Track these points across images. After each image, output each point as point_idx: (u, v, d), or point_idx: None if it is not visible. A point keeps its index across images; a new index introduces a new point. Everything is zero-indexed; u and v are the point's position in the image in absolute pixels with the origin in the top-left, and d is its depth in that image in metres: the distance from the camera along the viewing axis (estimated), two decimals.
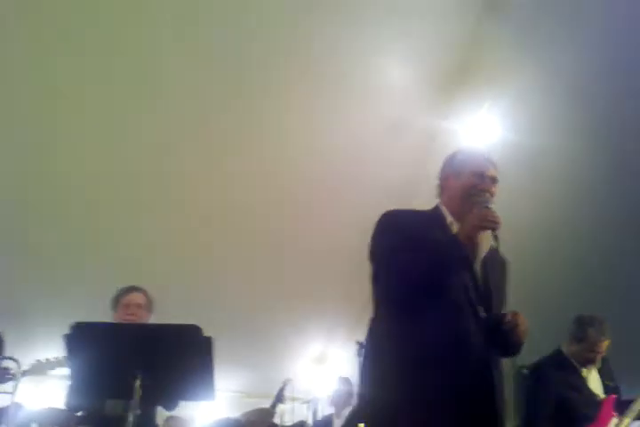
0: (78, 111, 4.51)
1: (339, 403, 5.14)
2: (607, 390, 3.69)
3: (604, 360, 3.80)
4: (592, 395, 3.62)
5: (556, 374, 3.64)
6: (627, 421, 3.50)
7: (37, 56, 4.18)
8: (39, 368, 3.77)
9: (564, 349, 3.76)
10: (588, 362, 3.70)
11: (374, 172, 4.65)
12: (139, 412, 2.44)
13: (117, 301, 3.64)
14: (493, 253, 2.26)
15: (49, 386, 5.61)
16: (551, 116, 4.42)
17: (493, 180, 2.32)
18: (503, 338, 2.10)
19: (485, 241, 2.21)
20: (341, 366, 5.79)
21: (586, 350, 3.66)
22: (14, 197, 4.85)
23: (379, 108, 4.44)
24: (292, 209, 5.13)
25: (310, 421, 4.95)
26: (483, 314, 2.13)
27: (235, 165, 4.90)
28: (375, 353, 2.14)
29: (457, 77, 4.37)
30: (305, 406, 5.08)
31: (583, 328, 3.66)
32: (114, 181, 4.87)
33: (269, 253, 5.35)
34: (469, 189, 2.26)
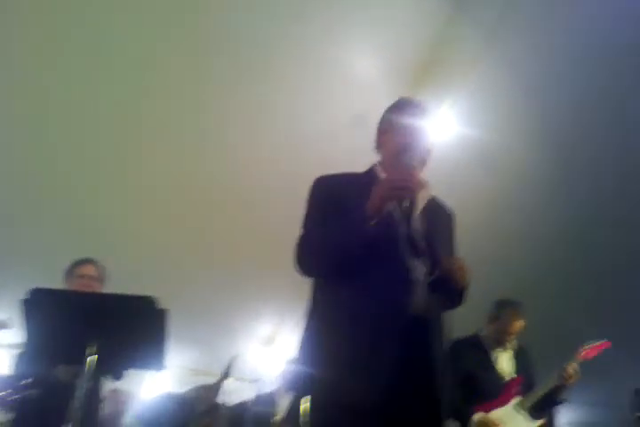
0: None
1: (287, 383, 5.25)
2: (515, 372, 3.85)
3: (523, 350, 3.99)
4: (498, 375, 3.80)
5: (467, 352, 3.81)
6: (529, 400, 3.69)
7: None
8: None
9: (482, 332, 3.96)
10: (499, 343, 3.89)
11: (341, 163, 4.73)
12: (90, 379, 2.51)
13: (71, 272, 3.68)
14: (435, 204, 2.25)
15: None
16: (508, 115, 4.56)
17: (426, 150, 2.23)
18: (444, 286, 2.04)
19: (425, 192, 2.15)
20: (289, 349, 5.91)
21: (498, 331, 3.87)
22: None
23: (346, 99, 4.51)
24: (253, 194, 5.19)
25: (252, 401, 5.04)
26: (419, 266, 2.04)
27: (204, 148, 4.93)
28: (304, 320, 2.13)
29: (422, 74, 4.47)
30: (250, 385, 5.18)
31: (498, 309, 3.90)
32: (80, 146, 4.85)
33: (227, 234, 5.40)
34: (399, 146, 2.17)
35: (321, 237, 2.06)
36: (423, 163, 2.20)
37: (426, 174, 2.21)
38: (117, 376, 3.54)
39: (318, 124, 4.72)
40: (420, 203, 2.13)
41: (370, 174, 2.25)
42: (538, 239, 5.59)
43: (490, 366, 3.84)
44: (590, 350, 3.81)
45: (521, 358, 3.97)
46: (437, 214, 2.26)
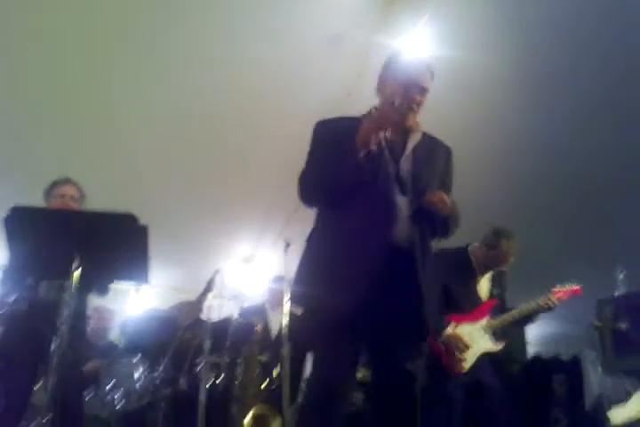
0: None
1: (273, 299, 5.43)
2: (491, 295, 4.05)
3: (501, 271, 4.15)
4: (475, 294, 3.98)
5: (452, 264, 3.96)
6: (496, 323, 3.88)
7: None
8: None
9: (471, 249, 4.07)
10: (486, 268, 4.03)
11: (318, 84, 4.69)
12: (74, 293, 2.59)
13: (50, 191, 3.70)
14: (430, 143, 2.46)
15: None
16: (485, 32, 4.49)
17: (422, 90, 2.38)
18: (426, 218, 2.30)
19: (417, 133, 2.39)
20: (269, 266, 6.04)
21: (491, 258, 3.98)
22: None
23: (320, 18, 4.41)
24: (231, 115, 5.15)
25: (237, 313, 5.20)
26: (403, 202, 2.29)
27: (180, 71, 4.84)
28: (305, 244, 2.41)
29: None
30: (231, 302, 5.33)
31: (498, 239, 3.95)
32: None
33: (210, 155, 5.40)
34: (393, 99, 2.32)
35: (316, 172, 2.31)
36: (416, 108, 2.37)
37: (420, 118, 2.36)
38: (102, 291, 3.64)
39: (293, 44, 4.64)
40: (411, 143, 2.37)
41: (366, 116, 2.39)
42: (513, 158, 5.63)
43: (470, 284, 3.99)
44: (563, 292, 3.94)
45: (497, 280, 4.12)
46: (432, 153, 2.46)
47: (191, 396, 4.95)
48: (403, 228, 2.26)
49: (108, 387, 4.66)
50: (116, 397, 4.66)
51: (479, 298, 3.99)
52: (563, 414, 7.54)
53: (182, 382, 5.15)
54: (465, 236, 4.13)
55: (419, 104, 2.38)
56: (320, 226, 2.39)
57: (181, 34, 4.58)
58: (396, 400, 2.22)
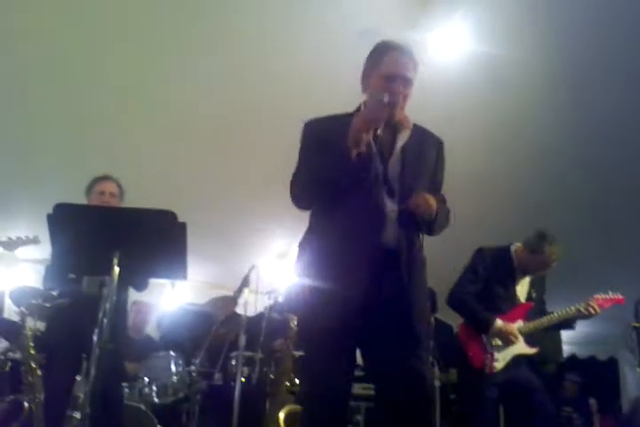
0: None
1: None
2: (529, 298, 3.99)
3: (541, 278, 4.09)
4: (514, 296, 3.93)
5: (494, 264, 3.94)
6: (530, 326, 3.85)
7: None
8: (10, 245, 3.93)
9: (513, 249, 4.02)
10: (527, 271, 3.97)
11: (345, 76, 4.69)
12: (115, 287, 2.65)
13: (92, 188, 3.81)
14: (421, 136, 2.43)
15: (21, 270, 5.78)
16: (521, 29, 4.45)
17: (405, 81, 2.32)
18: (412, 220, 2.29)
19: (405, 132, 2.36)
20: None
21: (533, 263, 3.90)
22: None
23: (351, 13, 4.41)
24: (263, 110, 5.18)
25: (269, 309, 5.25)
26: (390, 204, 2.28)
27: (206, 62, 4.88)
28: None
29: None
30: (266, 297, 5.37)
31: (542, 243, 3.84)
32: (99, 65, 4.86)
33: (244, 153, 5.45)
34: (380, 95, 2.27)
35: (307, 173, 2.30)
36: (402, 101, 2.33)
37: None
38: (141, 286, 3.72)
39: (323, 38, 4.64)
40: (400, 141, 2.34)
41: (356, 113, 2.35)
42: (550, 157, 5.57)
43: (510, 286, 3.94)
44: (605, 300, 3.90)
45: (537, 283, 4.06)
46: (422, 147, 2.42)
47: (226, 390, 5.05)
48: (390, 230, 2.26)
49: (145, 380, 4.75)
50: (153, 389, 4.75)
51: (517, 300, 3.95)
52: (577, 414, 7.43)
53: (217, 377, 5.24)
54: (509, 236, 4.17)
55: (404, 97, 2.33)
56: (311, 231, 2.40)
57: (209, 25, 4.62)
58: (405, 405, 2.17)
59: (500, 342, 3.77)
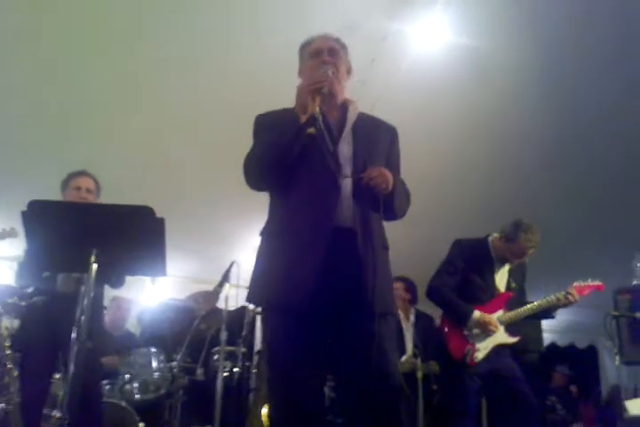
0: None
1: None
2: (508, 288, 4.03)
3: (521, 266, 4.13)
4: (493, 286, 3.96)
5: (472, 255, 3.97)
6: (511, 316, 3.88)
7: None
8: None
9: (490, 240, 4.05)
10: (505, 260, 4.01)
11: None
12: (92, 286, 2.61)
13: (67, 183, 3.75)
14: (371, 122, 2.45)
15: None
16: (501, 20, 4.44)
17: (330, 51, 2.42)
18: (366, 195, 2.25)
19: (353, 110, 2.38)
20: None
21: (509, 251, 3.94)
22: None
23: (333, 8, 4.38)
24: (242, 104, 5.13)
25: (251, 306, 5.23)
26: (344, 181, 2.25)
27: (202, 50, 4.83)
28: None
29: None
30: (246, 291, 5.34)
31: (517, 232, 3.88)
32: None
33: (223, 145, 5.38)
34: (306, 74, 2.38)
35: (260, 153, 2.32)
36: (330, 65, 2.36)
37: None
38: (117, 284, 3.68)
39: (306, 31, 4.60)
40: (349, 121, 2.35)
41: None
42: (531, 147, 5.58)
43: (488, 276, 3.97)
44: (584, 287, 3.94)
45: (517, 272, 4.10)
46: (374, 132, 2.43)
47: (208, 385, 5.02)
48: (345, 207, 2.22)
49: (126, 377, 4.70)
50: (135, 386, 4.70)
51: (496, 290, 3.97)
52: (560, 405, 7.53)
53: (199, 372, 5.20)
54: (487, 226, 4.17)
55: (335, 65, 2.37)
56: (270, 211, 2.41)
57: (184, 20, 4.57)
58: (369, 409, 2.11)
59: (479, 332, 3.78)
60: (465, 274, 3.93)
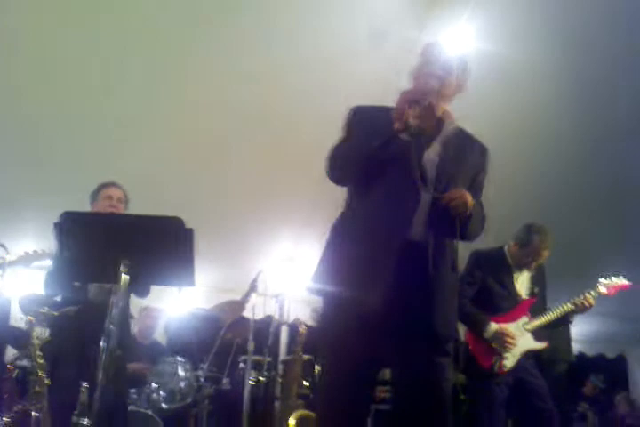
0: None
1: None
2: (531, 294, 4.00)
3: (540, 268, 4.10)
4: (514, 293, 3.95)
5: (489, 264, 3.97)
6: (536, 323, 3.86)
7: None
8: (26, 260, 3.87)
9: (506, 248, 4.04)
10: (523, 265, 3.99)
11: (357, 82, 4.66)
12: (122, 296, 2.63)
13: (98, 194, 3.78)
14: (464, 138, 2.40)
15: (28, 277, 5.72)
16: (528, 29, 4.43)
17: (436, 63, 2.34)
18: (443, 214, 2.20)
19: (449, 124, 2.34)
20: (310, 265, 6.03)
21: (525, 255, 3.94)
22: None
23: (360, 18, 4.40)
24: (274, 115, 5.17)
25: (277, 315, 5.24)
26: (424, 194, 2.21)
27: (218, 74, 4.88)
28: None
29: None
30: (273, 300, 5.35)
31: (530, 235, 3.90)
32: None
33: (249, 156, 5.43)
34: (417, 79, 2.33)
35: (344, 150, 2.29)
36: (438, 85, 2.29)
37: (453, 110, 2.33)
38: (143, 293, 3.69)
39: (333, 40, 4.62)
40: (442, 135, 2.30)
41: None
42: (557, 157, 5.55)
43: (508, 284, 3.95)
44: (612, 287, 3.92)
45: (537, 279, 4.07)
46: (464, 147, 2.38)
47: (234, 394, 5.03)
48: (420, 222, 2.20)
49: (153, 386, 4.73)
50: (161, 395, 4.72)
51: (518, 297, 3.95)
52: (592, 412, 7.41)
53: (225, 381, 5.21)
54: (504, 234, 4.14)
55: (442, 78, 2.31)
56: (345, 209, 2.37)
57: (224, 32, 4.61)
58: (426, 407, 2.14)
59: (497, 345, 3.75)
60: (484, 284, 3.91)
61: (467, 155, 2.38)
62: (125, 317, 3.67)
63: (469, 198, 2.18)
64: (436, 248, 2.20)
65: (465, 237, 2.31)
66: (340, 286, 2.16)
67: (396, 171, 2.19)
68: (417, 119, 2.16)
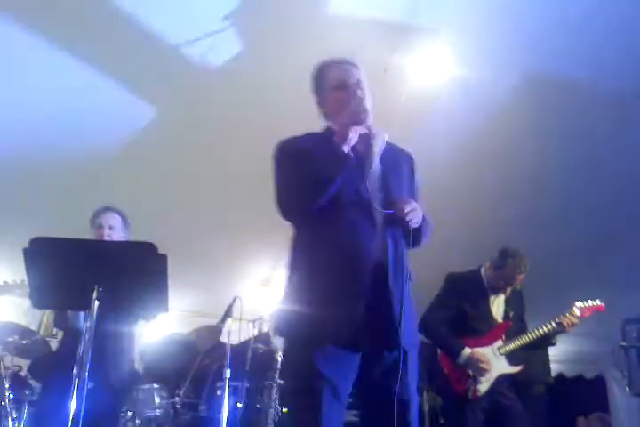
0: None
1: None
2: (506, 317, 4.00)
3: (517, 292, 4.11)
4: (490, 316, 3.95)
5: (465, 287, 3.97)
6: (510, 347, 3.86)
7: None
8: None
9: (482, 270, 4.06)
10: (498, 289, 4.00)
11: None
12: (94, 321, 2.58)
13: (92, 222, 3.73)
14: (393, 150, 2.41)
15: (1, 304, 5.63)
16: (503, 52, 4.49)
17: (357, 83, 2.35)
18: (404, 229, 2.22)
19: (380, 140, 2.31)
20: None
21: (500, 279, 3.96)
22: None
23: (332, 39, 4.43)
24: (244, 137, 5.17)
25: (254, 340, 5.18)
26: (379, 209, 2.21)
27: (191, 93, 4.89)
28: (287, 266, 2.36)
29: (411, 9, 4.38)
30: (250, 325, 5.31)
31: (504, 259, 3.92)
32: None
33: (222, 179, 5.42)
34: (338, 106, 2.31)
35: (296, 184, 2.23)
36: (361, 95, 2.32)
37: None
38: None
39: (305, 65, 4.65)
40: (376, 152, 2.29)
41: (329, 131, 2.38)
42: (531, 176, 5.61)
43: (484, 307, 3.95)
44: (586, 309, 3.93)
45: (514, 301, 4.07)
46: (398, 158, 2.42)
47: (211, 421, 4.94)
48: (377, 241, 2.19)
49: (129, 414, 4.63)
50: (137, 423, 4.63)
51: (494, 320, 3.95)
52: None
53: (202, 408, 5.13)
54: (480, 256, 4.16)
55: (364, 97, 2.33)
56: (298, 247, 2.33)
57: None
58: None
59: (472, 370, 3.74)
60: (460, 307, 3.91)
61: (402, 165, 2.43)
62: (120, 345, 3.57)
63: (419, 207, 2.22)
64: (396, 263, 2.20)
65: (417, 244, 2.35)
66: (311, 308, 2.14)
67: (347, 197, 2.20)
68: (358, 140, 2.21)
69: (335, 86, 2.38)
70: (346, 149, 2.16)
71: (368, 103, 2.31)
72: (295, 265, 2.30)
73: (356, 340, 2.09)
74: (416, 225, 2.22)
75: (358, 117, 2.22)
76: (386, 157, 2.33)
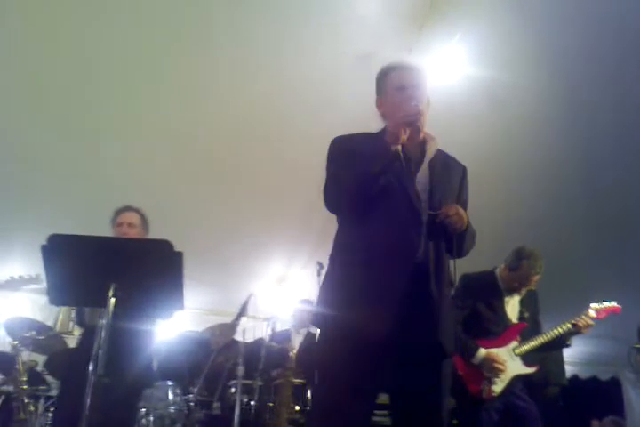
0: None
1: (299, 321, 5.47)
2: (521, 318, 3.99)
3: (532, 293, 4.10)
4: (505, 317, 3.93)
5: (479, 288, 3.95)
6: (525, 348, 3.85)
7: None
8: (12, 285, 3.85)
9: (497, 271, 4.04)
10: (512, 290, 3.99)
11: (344, 104, 4.69)
12: (110, 318, 2.59)
13: (113, 220, 3.81)
14: (444, 158, 2.45)
15: (15, 300, 5.69)
16: (517, 53, 4.47)
17: (415, 85, 2.38)
18: (447, 234, 2.25)
19: (433, 145, 2.37)
20: (301, 287, 6.03)
21: (515, 280, 3.94)
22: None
23: (348, 40, 4.42)
24: (262, 137, 5.18)
25: (268, 338, 5.19)
26: (426, 212, 2.24)
27: (202, 100, 4.90)
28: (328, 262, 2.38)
29: (427, 9, 4.36)
30: (265, 323, 5.32)
31: (519, 260, 3.90)
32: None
33: (240, 179, 5.44)
34: (394, 107, 2.33)
35: (343, 181, 2.27)
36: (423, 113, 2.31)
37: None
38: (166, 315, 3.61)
39: (321, 65, 4.65)
40: (427, 157, 2.35)
41: (384, 131, 2.38)
42: (548, 179, 5.58)
43: (499, 308, 3.94)
44: (602, 311, 3.92)
45: (528, 302, 4.06)
46: (447, 167, 2.44)
47: (224, 419, 4.96)
48: (421, 243, 2.22)
49: (142, 411, 4.65)
50: (150, 420, 4.65)
51: (508, 321, 3.94)
52: None
53: (215, 406, 5.14)
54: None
55: (420, 100, 2.33)
56: (341, 243, 2.36)
57: (207, 53, 4.64)
58: None
59: (486, 371, 3.72)
60: (474, 308, 3.90)
61: (452, 175, 2.45)
62: (136, 343, 3.59)
63: (464, 213, 2.25)
64: (437, 267, 2.22)
65: (461, 252, 2.38)
66: (347, 311, 2.15)
67: (394, 196, 2.23)
68: (408, 142, 2.23)
69: (393, 88, 2.40)
70: (394, 147, 2.18)
71: (424, 106, 2.32)
72: (337, 259, 2.33)
73: (392, 338, 2.09)
74: (459, 231, 2.25)
75: (411, 119, 2.22)
76: (437, 162, 2.37)
